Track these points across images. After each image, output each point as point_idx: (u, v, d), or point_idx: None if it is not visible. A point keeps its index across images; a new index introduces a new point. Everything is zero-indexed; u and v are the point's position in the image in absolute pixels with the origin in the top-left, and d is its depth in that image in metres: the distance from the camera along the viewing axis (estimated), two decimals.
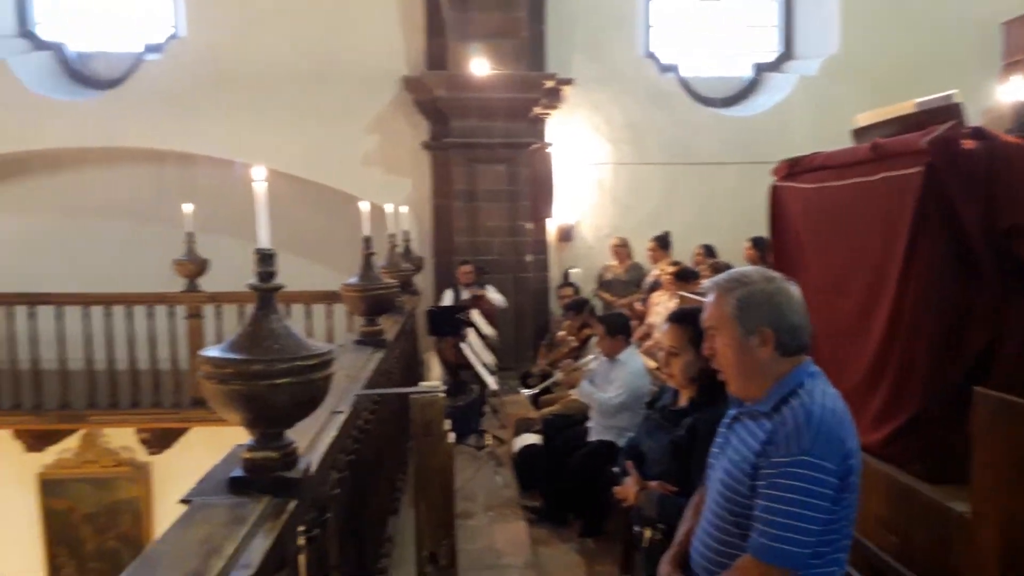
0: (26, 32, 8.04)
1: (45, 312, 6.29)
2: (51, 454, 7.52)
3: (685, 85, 8.69)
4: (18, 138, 7.55)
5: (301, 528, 1.88)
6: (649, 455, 2.82)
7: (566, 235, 8.27)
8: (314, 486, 1.94)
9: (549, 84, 7.66)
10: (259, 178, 1.75)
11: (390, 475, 3.97)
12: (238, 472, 1.68)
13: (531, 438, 4.99)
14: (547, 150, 8.03)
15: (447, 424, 2.98)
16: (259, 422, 1.68)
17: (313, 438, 2.15)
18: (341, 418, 2.39)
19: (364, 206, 3.43)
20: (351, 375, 2.90)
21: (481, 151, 7.56)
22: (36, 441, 6.81)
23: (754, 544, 1.65)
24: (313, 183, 7.75)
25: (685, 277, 5.86)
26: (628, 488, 2.73)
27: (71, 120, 7.58)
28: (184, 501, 1.61)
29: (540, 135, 8.02)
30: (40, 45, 8.06)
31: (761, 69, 8.94)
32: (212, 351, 1.63)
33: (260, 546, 1.48)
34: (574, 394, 5.20)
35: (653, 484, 2.64)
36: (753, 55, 9.00)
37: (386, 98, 7.84)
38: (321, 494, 2.09)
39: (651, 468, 2.75)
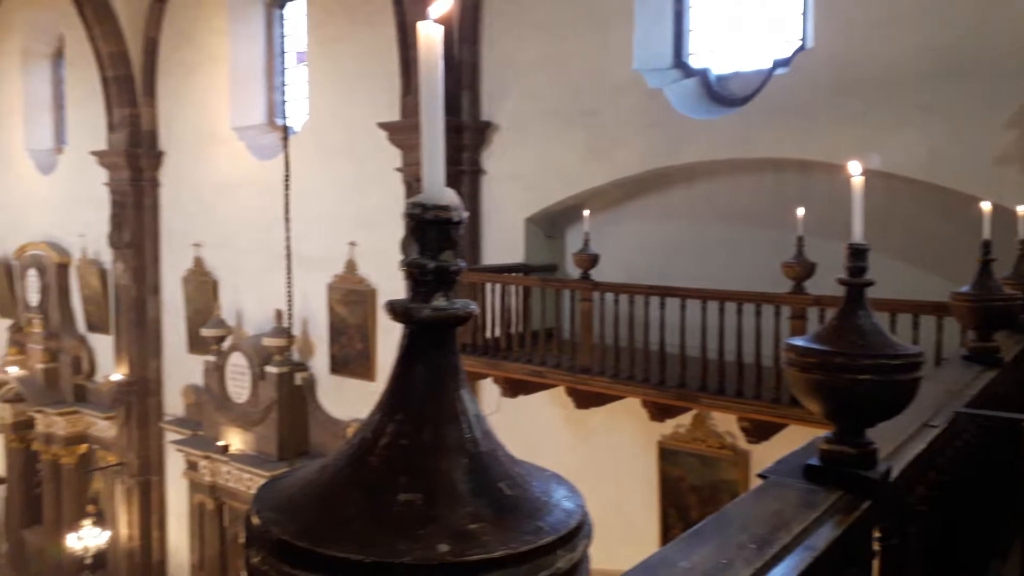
0: (680, 63, 9.36)
1: (672, 303, 7.18)
2: (669, 426, 8.55)
3: None
4: (664, 155, 8.86)
5: (877, 534, 1.87)
6: None
7: None
8: (894, 494, 1.90)
9: None
10: (855, 172, 1.81)
11: (1000, 513, 3.49)
12: (814, 460, 1.77)
13: None
14: None
15: None
16: (837, 415, 1.74)
17: (898, 445, 2.10)
18: (933, 432, 2.26)
19: (986, 206, 3.10)
20: (952, 391, 2.68)
21: None
22: (658, 412, 7.87)
23: None
24: (935, 186, 7.14)
25: None
26: None
27: (707, 137, 8.52)
28: (761, 476, 1.79)
29: None
30: (689, 73, 9.27)
31: None
32: (798, 340, 1.76)
33: (827, 534, 1.53)
34: None
35: None
36: None
37: None
38: (903, 505, 2.03)
39: None
